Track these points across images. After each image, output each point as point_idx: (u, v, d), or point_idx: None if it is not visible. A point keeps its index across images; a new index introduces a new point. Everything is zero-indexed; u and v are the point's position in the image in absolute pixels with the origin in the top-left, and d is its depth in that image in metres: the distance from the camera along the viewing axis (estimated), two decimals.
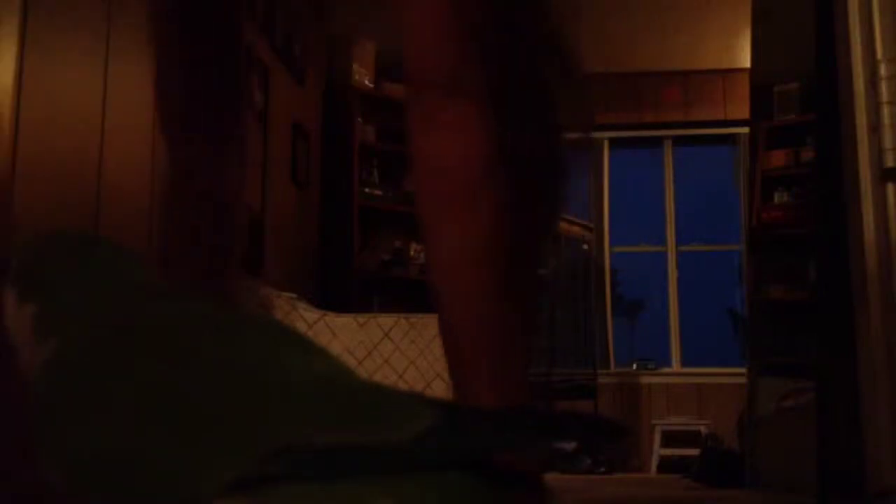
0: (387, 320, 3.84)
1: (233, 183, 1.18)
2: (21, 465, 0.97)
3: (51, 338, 0.57)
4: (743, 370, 4.99)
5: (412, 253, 6.50)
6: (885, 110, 2.19)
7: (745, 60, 5.56)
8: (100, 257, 0.63)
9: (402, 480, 0.43)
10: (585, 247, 6.71)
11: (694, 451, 5.31)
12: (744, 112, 5.75)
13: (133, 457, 0.49)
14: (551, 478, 4.61)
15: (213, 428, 0.47)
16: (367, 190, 6.27)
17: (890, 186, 2.19)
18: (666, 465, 6.14)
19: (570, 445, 5.74)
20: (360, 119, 6.29)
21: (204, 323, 0.56)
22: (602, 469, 5.81)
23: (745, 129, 6.04)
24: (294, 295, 4.06)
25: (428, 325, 3.77)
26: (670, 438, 6.40)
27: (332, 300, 5.38)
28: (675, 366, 7.01)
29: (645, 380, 6.90)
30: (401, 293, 6.24)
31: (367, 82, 6.40)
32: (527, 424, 0.45)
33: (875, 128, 2.20)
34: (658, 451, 6.35)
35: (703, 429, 6.12)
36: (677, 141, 7.28)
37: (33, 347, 0.58)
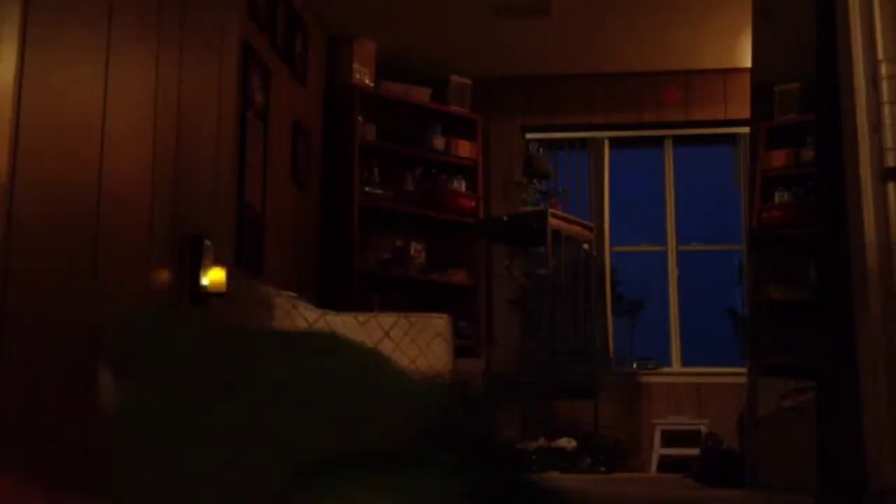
0: (387, 319, 3.84)
1: None
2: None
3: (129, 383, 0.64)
4: (743, 370, 4.98)
5: (412, 252, 6.49)
6: (886, 110, 2.18)
7: (746, 60, 5.55)
8: (184, 333, 0.70)
9: (404, 478, 0.45)
10: (586, 246, 6.71)
11: (694, 451, 5.32)
12: (744, 112, 5.75)
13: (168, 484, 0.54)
14: (551, 477, 4.60)
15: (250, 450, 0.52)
16: (367, 189, 6.26)
17: (890, 186, 2.19)
18: (666, 464, 6.14)
19: (570, 445, 5.74)
20: (360, 118, 6.28)
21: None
22: (602, 469, 5.80)
23: (746, 129, 6.04)
24: (294, 294, 4.07)
25: (428, 325, 3.77)
26: (670, 438, 6.39)
27: (332, 299, 5.38)
28: (675, 365, 7.01)
29: (645, 379, 6.90)
30: (401, 292, 6.23)
31: (367, 82, 6.40)
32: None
33: (875, 128, 2.20)
34: (658, 450, 6.35)
35: (703, 429, 6.12)
36: (677, 141, 7.28)
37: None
